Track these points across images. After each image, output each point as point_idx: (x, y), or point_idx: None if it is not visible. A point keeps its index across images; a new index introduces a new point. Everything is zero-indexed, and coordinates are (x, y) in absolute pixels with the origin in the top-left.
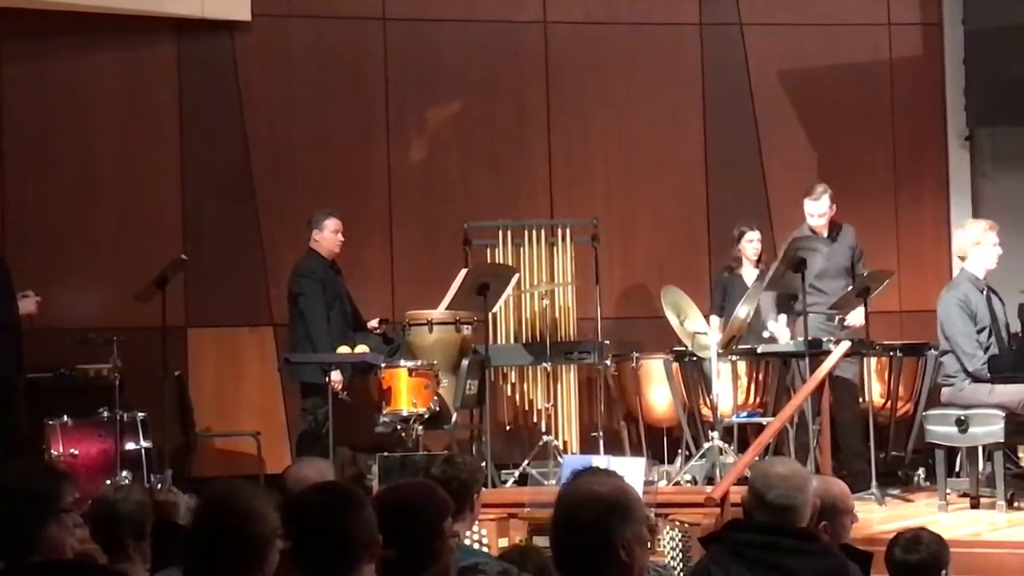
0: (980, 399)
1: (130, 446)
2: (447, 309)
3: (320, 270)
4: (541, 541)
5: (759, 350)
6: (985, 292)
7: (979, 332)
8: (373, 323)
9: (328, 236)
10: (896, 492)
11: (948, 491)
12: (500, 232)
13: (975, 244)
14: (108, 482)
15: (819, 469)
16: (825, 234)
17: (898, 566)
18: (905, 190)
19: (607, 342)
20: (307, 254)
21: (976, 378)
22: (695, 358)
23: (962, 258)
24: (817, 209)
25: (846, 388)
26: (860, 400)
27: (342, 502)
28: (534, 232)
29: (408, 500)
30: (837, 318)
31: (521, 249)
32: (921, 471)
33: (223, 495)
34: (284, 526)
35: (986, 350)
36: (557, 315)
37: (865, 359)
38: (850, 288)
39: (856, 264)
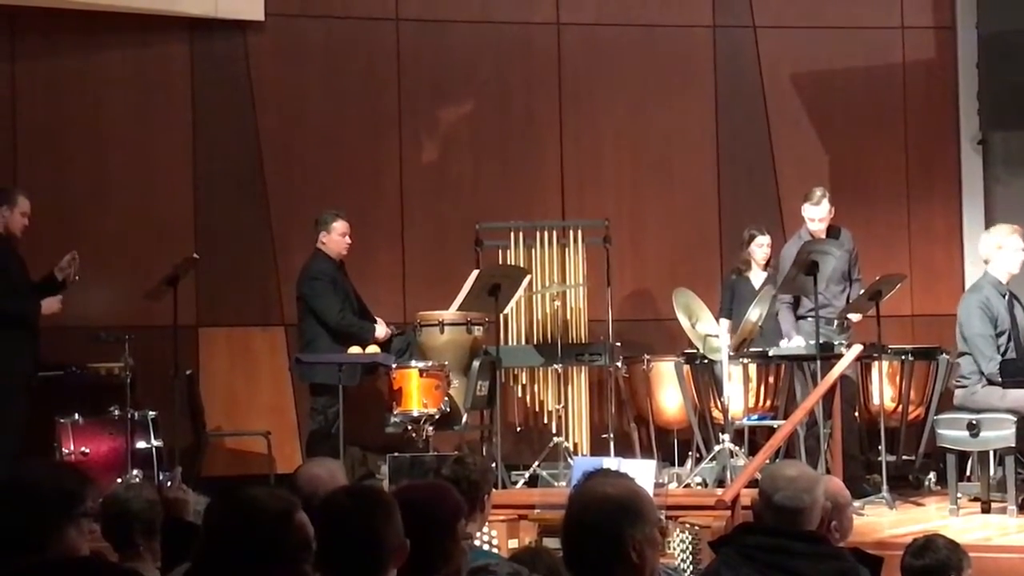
0: (992, 403)
1: (141, 445)
2: (458, 310)
3: (329, 270)
4: (551, 542)
5: (770, 353)
6: (1007, 297)
7: (998, 336)
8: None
9: (335, 239)
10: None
11: (959, 495)
12: (512, 233)
13: (999, 248)
14: (119, 480)
15: (830, 472)
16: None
17: (906, 571)
18: (917, 194)
19: (618, 344)
20: (314, 255)
21: (991, 380)
22: (706, 360)
23: (986, 262)
24: (818, 214)
25: (843, 391)
26: (858, 404)
27: (375, 508)
28: (546, 233)
29: (423, 501)
30: (836, 322)
31: (533, 250)
32: (932, 475)
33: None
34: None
35: (1003, 354)
36: (568, 317)
37: (875, 363)
38: (846, 292)
39: (852, 268)
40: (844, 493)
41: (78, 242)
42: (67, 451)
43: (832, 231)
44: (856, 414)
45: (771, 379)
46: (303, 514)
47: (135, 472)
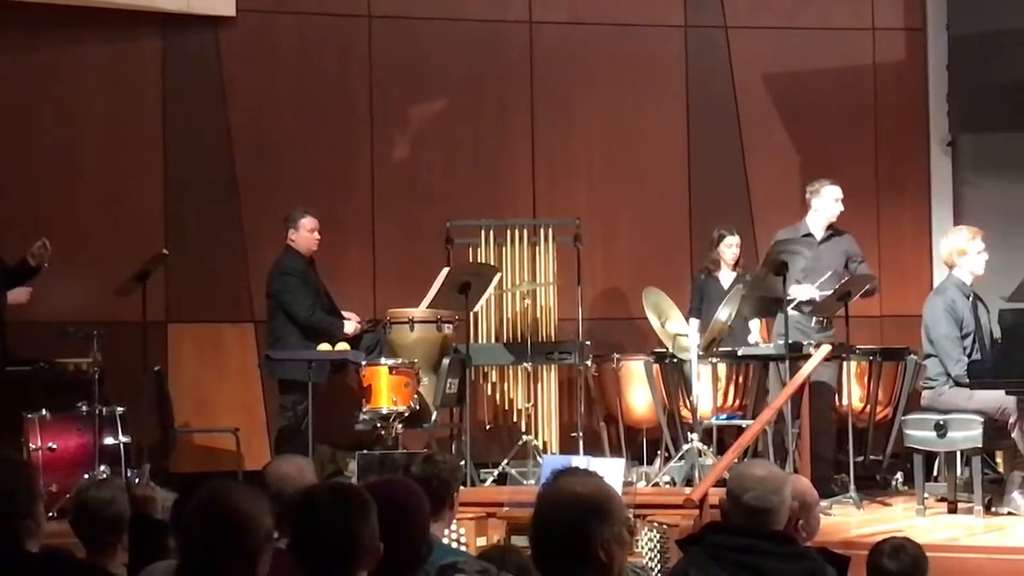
0: (959, 404)
1: (109, 441)
2: (429, 308)
3: (300, 266)
4: (520, 541)
5: (739, 352)
6: (971, 299)
7: (963, 338)
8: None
9: (304, 235)
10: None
11: (926, 496)
12: (482, 231)
13: (960, 254)
14: (86, 476)
15: (797, 472)
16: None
17: (880, 573)
18: (887, 195)
19: (588, 343)
20: (285, 252)
21: (957, 382)
22: (676, 360)
23: (948, 266)
24: (840, 193)
25: (822, 393)
26: (836, 406)
27: (356, 507)
28: (516, 232)
29: (395, 499)
30: (815, 320)
31: (503, 249)
32: (899, 475)
33: (218, 499)
34: (285, 522)
35: (969, 356)
36: (538, 315)
37: (844, 363)
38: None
39: (856, 268)
40: (811, 492)
41: (48, 237)
42: (34, 447)
43: (837, 230)
44: (834, 416)
45: (740, 379)
46: (262, 512)
47: (103, 468)
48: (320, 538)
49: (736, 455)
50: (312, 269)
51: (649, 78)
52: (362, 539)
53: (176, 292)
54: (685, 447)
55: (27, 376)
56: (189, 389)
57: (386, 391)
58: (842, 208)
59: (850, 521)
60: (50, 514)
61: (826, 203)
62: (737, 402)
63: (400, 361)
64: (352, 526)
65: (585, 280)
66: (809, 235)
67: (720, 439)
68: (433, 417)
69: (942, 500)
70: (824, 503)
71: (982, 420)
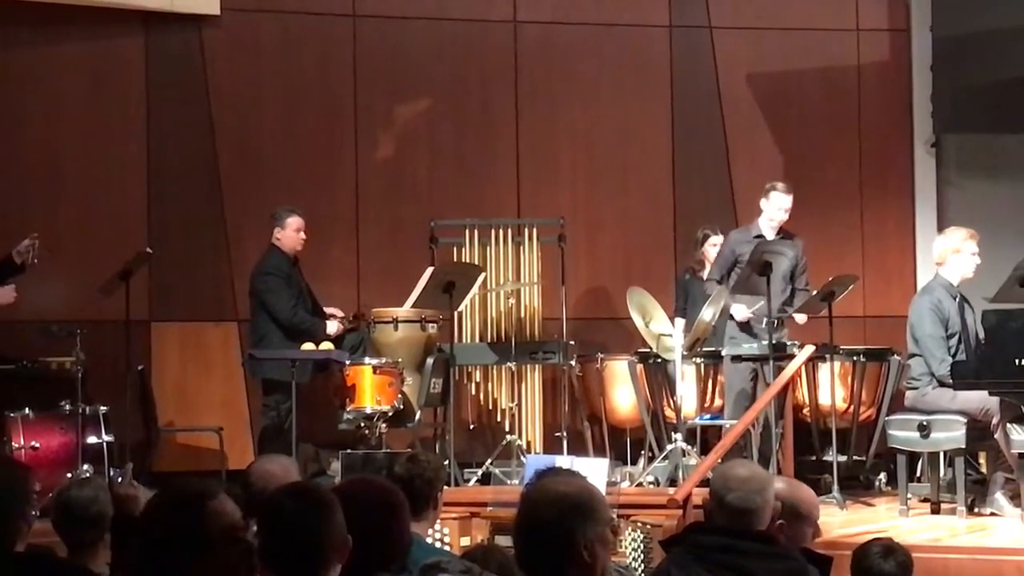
0: (942, 405)
1: (92, 440)
2: (413, 307)
3: (283, 266)
4: (503, 540)
5: (723, 353)
6: (958, 300)
7: (949, 338)
8: (334, 315)
9: (290, 235)
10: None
11: (909, 496)
12: (467, 231)
13: (955, 252)
14: (69, 475)
15: (780, 472)
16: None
17: (873, 574)
18: (871, 196)
19: (572, 342)
20: (269, 250)
21: (941, 382)
22: (659, 360)
23: (940, 264)
24: (787, 203)
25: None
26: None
27: (316, 507)
28: (501, 231)
29: (372, 498)
30: (765, 321)
31: (487, 248)
32: (883, 476)
33: (176, 500)
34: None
35: (953, 356)
36: (522, 315)
37: (827, 364)
38: (784, 295)
39: (798, 277)
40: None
41: (30, 235)
42: (17, 445)
43: (782, 232)
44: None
45: (723, 379)
46: (221, 501)
47: (86, 467)
48: (287, 544)
49: (719, 455)
50: (296, 269)
51: (634, 78)
52: (329, 538)
53: (159, 291)
54: (669, 447)
55: (10, 375)
56: (172, 388)
57: (370, 390)
58: (786, 217)
59: (833, 521)
60: (33, 513)
61: (770, 207)
62: (721, 402)
63: (384, 361)
64: (318, 528)
65: (569, 280)
66: (760, 236)
67: (704, 439)
68: (417, 417)
69: (925, 501)
70: None
71: (965, 421)
